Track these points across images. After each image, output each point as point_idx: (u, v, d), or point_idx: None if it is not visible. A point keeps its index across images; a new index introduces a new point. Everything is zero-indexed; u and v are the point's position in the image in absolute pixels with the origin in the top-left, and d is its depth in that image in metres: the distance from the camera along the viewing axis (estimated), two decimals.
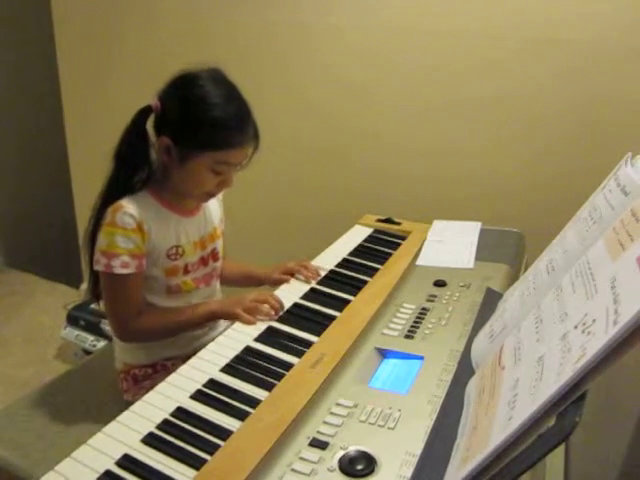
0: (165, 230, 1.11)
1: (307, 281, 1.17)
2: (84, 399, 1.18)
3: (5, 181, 2.75)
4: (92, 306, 2.00)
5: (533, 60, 1.45)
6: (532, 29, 1.42)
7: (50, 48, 2.13)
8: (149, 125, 1.08)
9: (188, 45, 1.83)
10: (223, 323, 1.27)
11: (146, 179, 1.11)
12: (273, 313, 1.04)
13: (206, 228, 1.19)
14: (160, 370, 1.17)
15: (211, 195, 1.13)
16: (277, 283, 1.19)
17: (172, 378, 0.86)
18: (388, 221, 1.47)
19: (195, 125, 1.03)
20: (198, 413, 0.78)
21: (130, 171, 1.09)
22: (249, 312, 1.03)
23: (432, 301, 1.06)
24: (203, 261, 1.19)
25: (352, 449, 0.69)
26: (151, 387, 0.84)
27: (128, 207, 1.04)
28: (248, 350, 0.93)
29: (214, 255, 1.21)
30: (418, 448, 0.69)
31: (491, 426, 0.58)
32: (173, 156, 1.05)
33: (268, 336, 0.97)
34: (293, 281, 1.18)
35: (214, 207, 1.24)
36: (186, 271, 1.15)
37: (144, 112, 1.07)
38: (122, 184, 1.08)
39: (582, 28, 1.37)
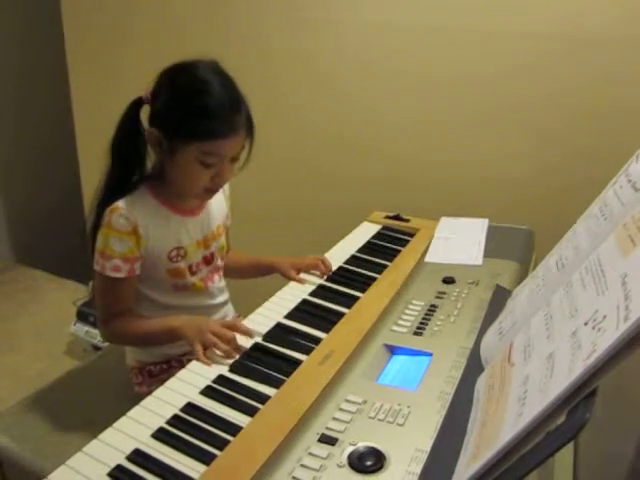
0: (165, 232, 1.08)
1: (320, 275, 1.17)
2: (94, 395, 1.20)
3: (16, 179, 2.77)
4: None
5: (547, 64, 1.44)
6: (539, 33, 1.41)
7: (61, 55, 2.15)
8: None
9: (198, 42, 1.83)
10: (231, 313, 1.27)
11: (144, 175, 1.08)
12: (233, 352, 0.91)
13: (210, 226, 1.17)
14: (175, 365, 1.15)
15: (210, 191, 1.07)
16: (290, 279, 1.18)
17: (182, 374, 0.86)
18: (396, 218, 1.46)
19: (179, 115, 0.99)
20: (208, 409, 0.79)
21: (125, 166, 1.06)
22: (207, 346, 0.92)
23: (441, 298, 1.06)
24: (205, 260, 1.17)
25: (361, 445, 0.69)
26: (166, 380, 0.85)
27: (124, 209, 1.01)
28: (257, 347, 0.93)
29: (214, 253, 1.20)
30: (427, 444, 0.69)
31: (501, 423, 0.58)
32: (163, 149, 1.02)
33: (276, 333, 0.97)
34: (303, 277, 1.17)
35: (218, 204, 1.20)
36: (192, 272, 1.13)
37: (136, 104, 1.05)
38: (118, 180, 1.06)
39: (582, 34, 1.37)
